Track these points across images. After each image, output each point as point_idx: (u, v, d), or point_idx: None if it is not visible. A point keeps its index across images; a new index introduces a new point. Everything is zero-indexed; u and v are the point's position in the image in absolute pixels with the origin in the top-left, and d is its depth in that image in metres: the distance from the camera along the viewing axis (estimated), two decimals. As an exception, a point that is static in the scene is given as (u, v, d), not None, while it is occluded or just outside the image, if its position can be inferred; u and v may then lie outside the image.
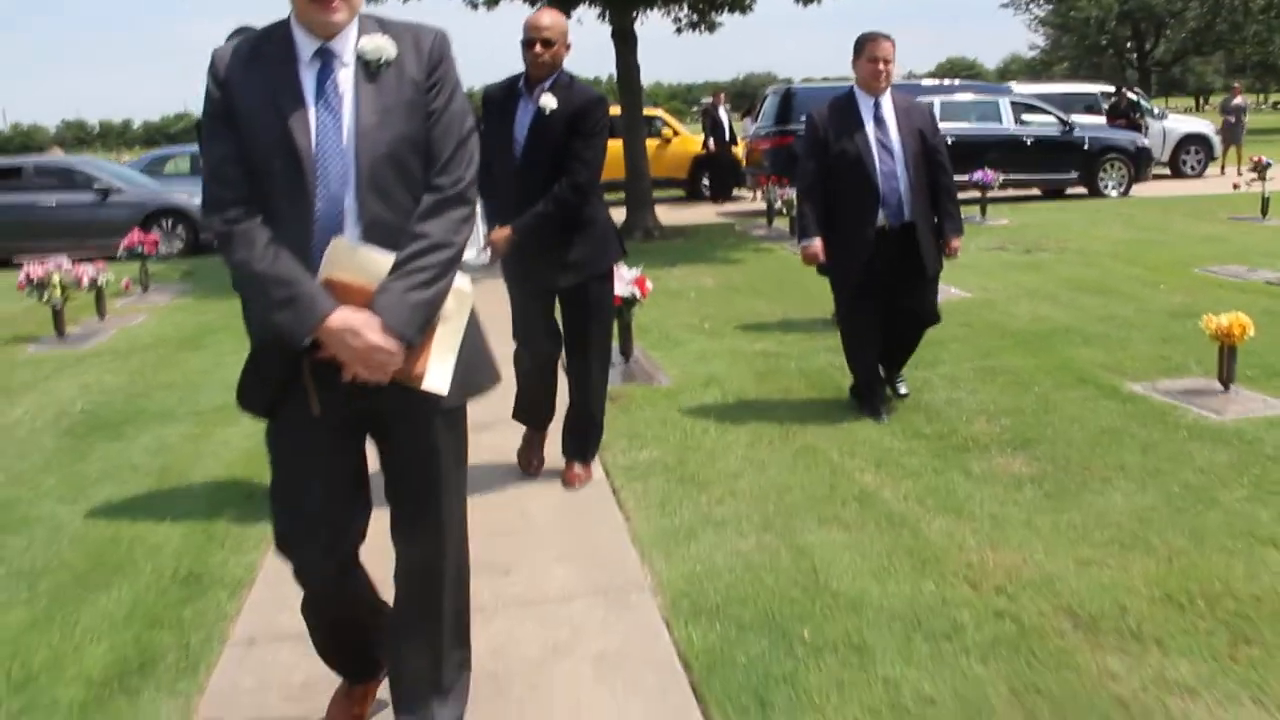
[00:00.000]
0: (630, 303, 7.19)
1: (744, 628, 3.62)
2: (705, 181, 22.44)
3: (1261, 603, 3.71)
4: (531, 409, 5.31)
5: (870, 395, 6.09)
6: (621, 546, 4.39)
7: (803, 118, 18.40)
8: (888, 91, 5.85)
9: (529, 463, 5.32)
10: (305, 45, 2.57)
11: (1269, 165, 15.13)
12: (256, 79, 2.55)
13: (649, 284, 7.28)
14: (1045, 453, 5.32)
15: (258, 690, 3.40)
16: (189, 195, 16.52)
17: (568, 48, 4.84)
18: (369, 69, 2.56)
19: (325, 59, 2.56)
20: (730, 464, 5.31)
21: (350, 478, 2.76)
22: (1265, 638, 3.48)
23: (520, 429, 5.38)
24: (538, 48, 4.73)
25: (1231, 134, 24.33)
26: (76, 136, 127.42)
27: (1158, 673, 3.30)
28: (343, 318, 2.47)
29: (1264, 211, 14.57)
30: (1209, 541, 4.23)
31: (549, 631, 3.68)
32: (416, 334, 2.53)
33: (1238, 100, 25.23)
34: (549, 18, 4.81)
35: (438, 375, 2.59)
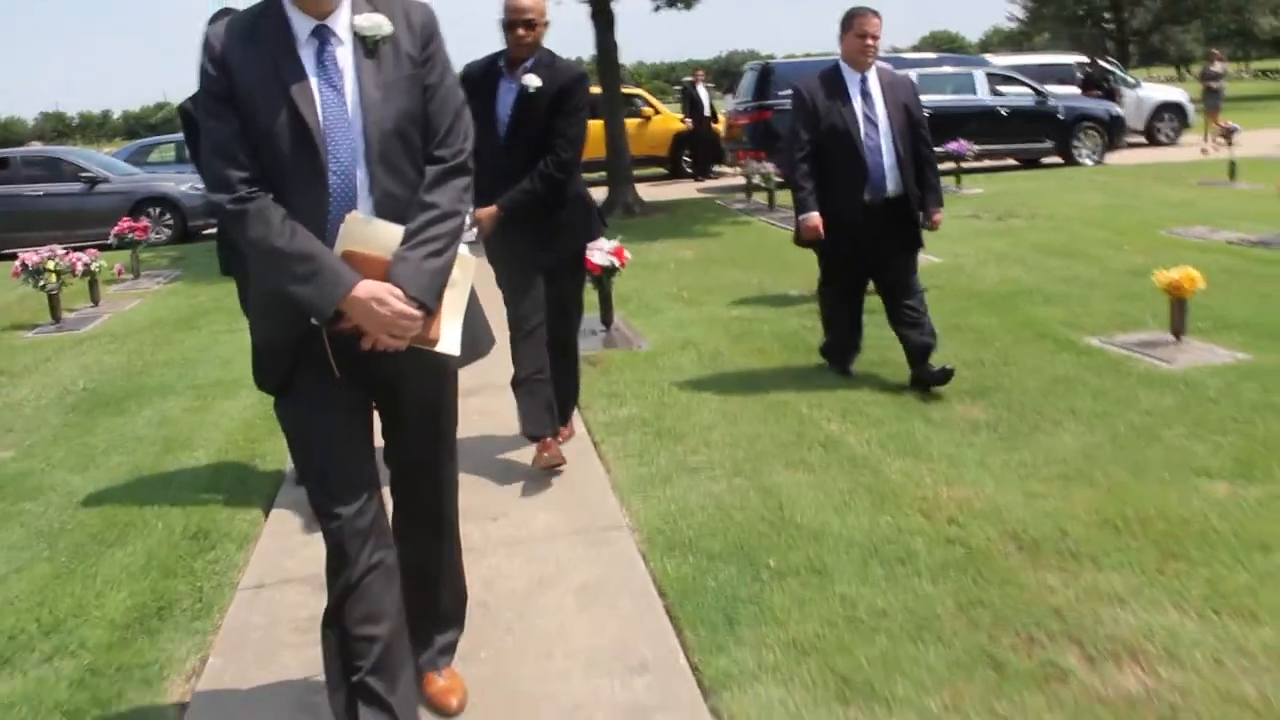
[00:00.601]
0: (610, 272, 7.48)
1: (714, 558, 3.93)
2: (686, 158, 22.71)
3: (1189, 524, 4.03)
4: (527, 374, 5.01)
5: (839, 354, 6.33)
6: (602, 492, 4.70)
7: (781, 93, 18.65)
8: (874, 66, 5.92)
9: (545, 449, 4.94)
10: (301, 24, 2.60)
11: (1236, 130, 15.45)
12: (255, 58, 2.56)
13: (627, 254, 7.56)
14: (1002, 400, 5.63)
15: (268, 626, 3.71)
16: (175, 183, 16.76)
17: (546, 25, 4.86)
18: (366, 45, 2.61)
19: (322, 37, 2.60)
20: (704, 417, 5.62)
21: (368, 438, 2.83)
22: (1190, 554, 3.80)
23: (505, 394, 5.33)
24: (520, 30, 4.75)
25: (1210, 102, 24.64)
26: (55, 128, 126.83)
27: (1091, 586, 3.61)
28: (369, 288, 2.52)
29: (1232, 175, 14.89)
30: (1148, 474, 4.55)
31: (535, 567, 4.00)
32: (434, 300, 2.60)
33: (1216, 68, 25.52)
34: (530, 4, 4.77)
35: (450, 338, 2.69)
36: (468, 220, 5.07)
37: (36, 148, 21.01)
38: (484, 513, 4.47)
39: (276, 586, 3.97)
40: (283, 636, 3.61)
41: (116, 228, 12.54)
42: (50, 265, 9.66)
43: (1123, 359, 6.33)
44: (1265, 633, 3.27)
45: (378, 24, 2.62)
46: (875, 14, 5.87)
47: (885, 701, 3.00)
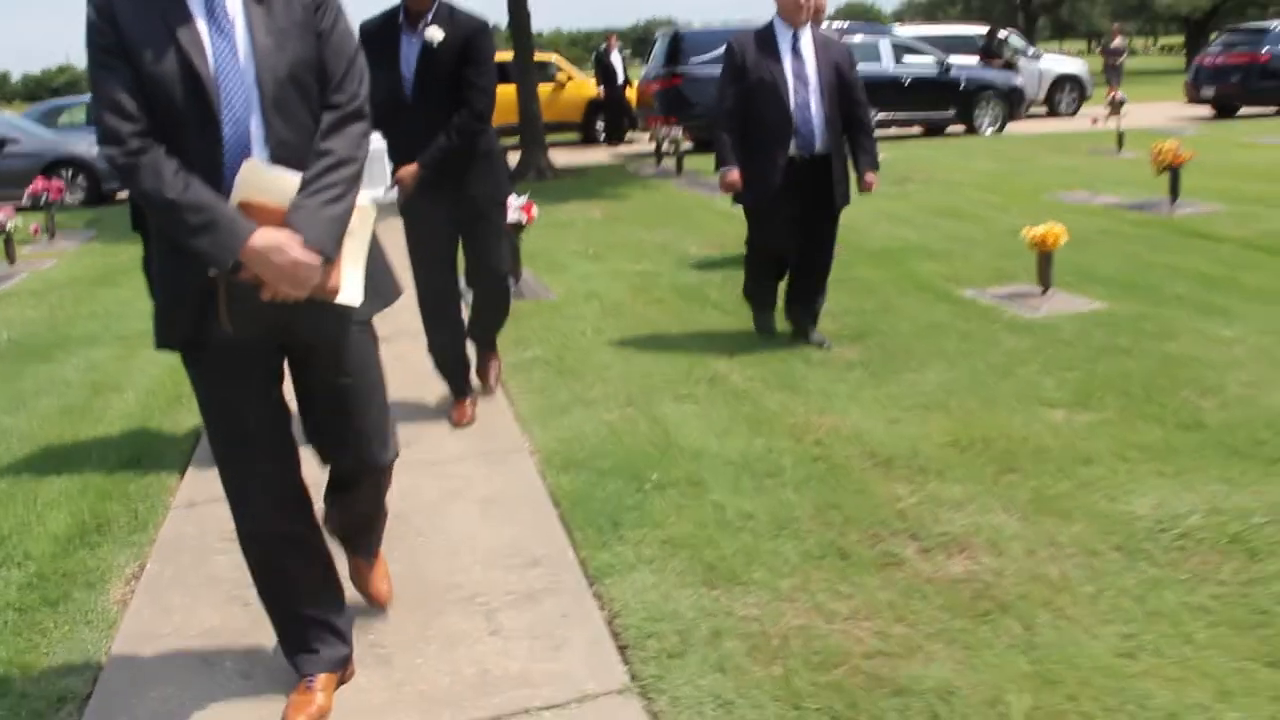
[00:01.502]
0: (518, 227, 7.87)
1: (603, 474, 4.40)
2: (599, 125, 23.07)
3: (1027, 443, 4.57)
4: (443, 351, 5.31)
5: (761, 313, 6.45)
6: (506, 422, 5.15)
7: (692, 60, 19.02)
8: (807, 25, 5.92)
9: (462, 415, 5.24)
10: None
11: (1124, 102, 16.18)
12: (142, 8, 2.53)
13: (535, 210, 7.96)
14: (876, 343, 6.15)
15: (200, 536, 4.09)
16: (88, 145, 16.72)
17: None
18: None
19: None
20: (602, 358, 6.08)
21: (278, 402, 2.87)
22: (1024, 467, 4.34)
23: (420, 340, 5.44)
24: None
25: (1110, 75, 25.56)
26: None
27: (934, 493, 4.13)
28: (266, 237, 2.51)
29: (1120, 145, 15.61)
30: (998, 404, 5.09)
31: (443, 483, 4.44)
32: (334, 247, 2.59)
33: (1117, 42, 26.51)
34: None
35: (351, 287, 2.69)
36: (388, 180, 5.27)
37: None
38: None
39: (207, 504, 4.35)
40: (214, 545, 3.99)
41: (30, 188, 12.61)
42: (-33, 223, 9.80)
43: (992, 308, 6.89)
44: (1075, 529, 3.80)
45: None
46: None
47: (744, 584, 3.48)
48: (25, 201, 12.62)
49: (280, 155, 2.61)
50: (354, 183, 2.66)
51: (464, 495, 4.32)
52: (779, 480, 4.29)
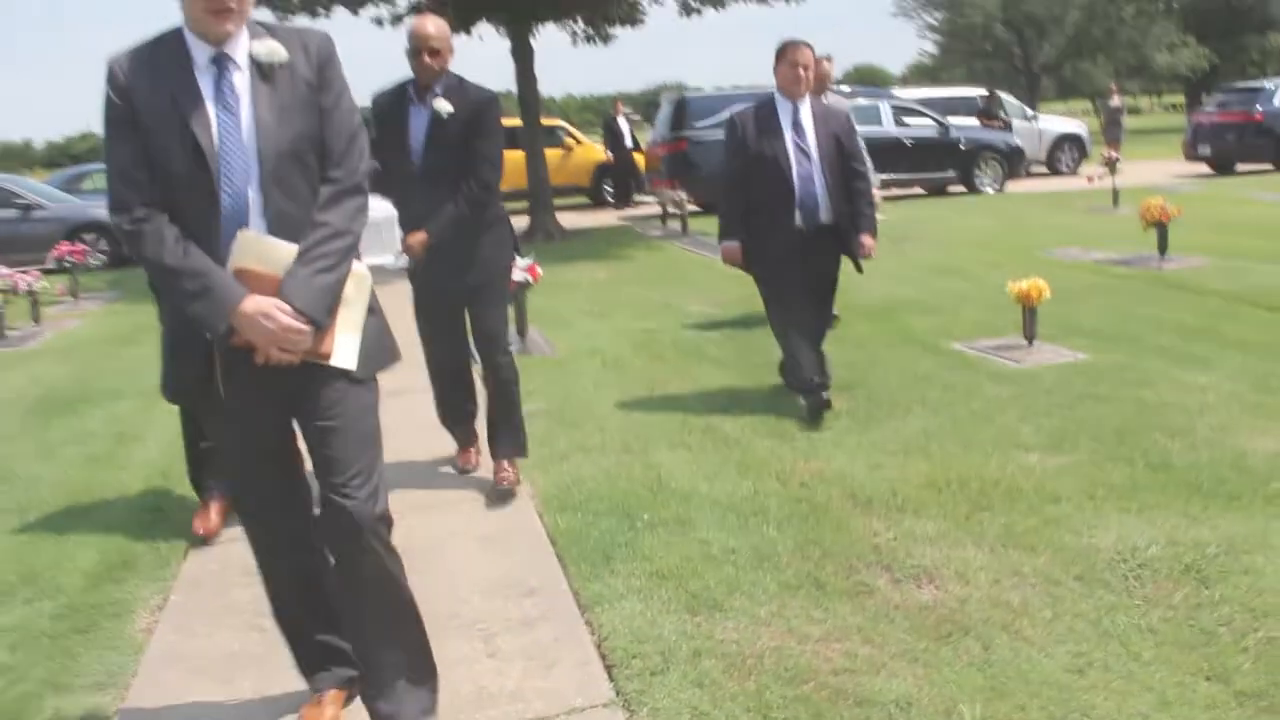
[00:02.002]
0: (524, 287, 8.20)
1: (598, 514, 4.67)
2: (607, 187, 23.55)
3: (1000, 484, 4.83)
4: (453, 410, 5.50)
5: (799, 375, 6.05)
6: (508, 468, 5.42)
7: (696, 124, 19.46)
8: (806, 97, 6.06)
9: (467, 460, 5.50)
10: (200, 51, 2.73)
11: (1117, 160, 16.55)
12: (155, 84, 2.70)
13: (539, 270, 8.29)
14: (863, 393, 6.42)
15: (220, 572, 4.38)
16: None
17: (452, 51, 4.94)
18: (263, 71, 2.74)
19: (220, 63, 2.73)
20: (602, 410, 6.37)
21: (288, 449, 3.03)
22: (996, 505, 4.60)
23: (426, 396, 5.59)
24: (425, 56, 4.82)
25: (1111, 133, 26.02)
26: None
27: (909, 529, 4.39)
28: (255, 303, 2.65)
29: (1115, 202, 15.97)
30: (976, 448, 5.35)
31: (446, 522, 4.74)
32: (324, 315, 2.74)
33: (1115, 102, 26.98)
34: (433, 25, 4.88)
35: (345, 352, 2.81)
36: (398, 246, 5.45)
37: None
38: (402, 484, 5.16)
39: (227, 543, 4.63)
40: (233, 579, 4.26)
41: (56, 251, 13.04)
42: (-5, 285, 10.19)
43: (978, 359, 7.17)
44: (1039, 560, 4.05)
45: (273, 50, 2.75)
46: (807, 45, 6.02)
47: (725, 611, 3.74)
48: (50, 264, 13.02)
49: (278, 225, 2.74)
50: (348, 254, 2.80)
51: (465, 533, 4.60)
52: (763, 519, 4.55)
